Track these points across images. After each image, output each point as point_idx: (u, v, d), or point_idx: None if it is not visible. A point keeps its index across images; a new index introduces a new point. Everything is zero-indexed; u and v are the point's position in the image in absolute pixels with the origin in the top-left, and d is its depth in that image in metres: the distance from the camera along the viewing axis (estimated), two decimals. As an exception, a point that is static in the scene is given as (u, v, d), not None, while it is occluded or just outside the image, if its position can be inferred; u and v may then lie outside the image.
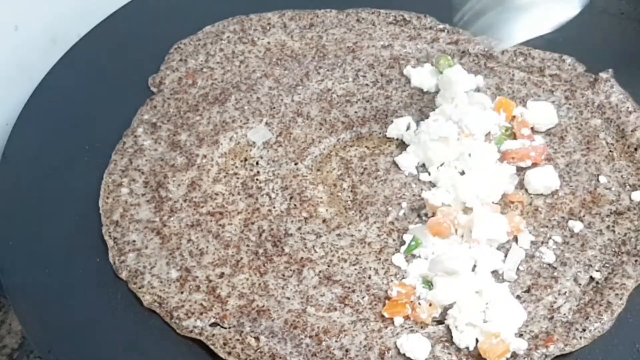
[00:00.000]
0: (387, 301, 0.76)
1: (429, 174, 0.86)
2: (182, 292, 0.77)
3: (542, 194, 0.84)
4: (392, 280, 0.77)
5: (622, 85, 0.92)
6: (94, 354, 0.74)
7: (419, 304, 0.75)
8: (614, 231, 0.81)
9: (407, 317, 0.75)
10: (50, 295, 0.78)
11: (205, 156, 0.88)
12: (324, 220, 0.83)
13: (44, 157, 0.89)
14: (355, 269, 0.79)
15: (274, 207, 0.84)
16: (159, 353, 0.74)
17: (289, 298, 0.76)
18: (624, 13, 1.02)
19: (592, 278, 0.77)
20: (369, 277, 0.78)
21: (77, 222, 0.83)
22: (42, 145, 0.90)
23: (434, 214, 0.81)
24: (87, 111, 0.93)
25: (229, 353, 0.73)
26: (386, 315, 0.75)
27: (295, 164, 0.88)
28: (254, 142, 0.90)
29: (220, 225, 0.82)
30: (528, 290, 0.76)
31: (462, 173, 0.84)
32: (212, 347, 0.73)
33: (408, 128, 0.89)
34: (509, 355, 0.71)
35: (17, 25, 0.98)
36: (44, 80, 0.96)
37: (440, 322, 0.75)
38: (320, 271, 0.78)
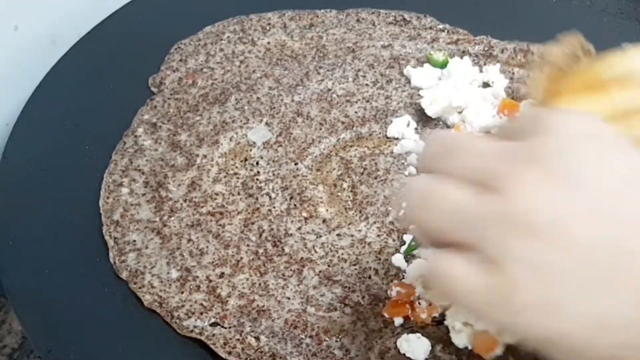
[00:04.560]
0: (387, 301, 0.76)
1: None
2: (182, 292, 0.77)
3: (542, 194, 0.84)
4: (392, 281, 0.77)
5: (622, 85, 0.92)
6: (93, 354, 0.73)
7: (419, 304, 0.75)
8: (613, 231, 0.80)
9: (407, 317, 0.75)
10: (50, 295, 0.77)
11: (205, 156, 0.88)
12: (324, 220, 0.83)
13: (44, 157, 0.89)
14: (355, 269, 0.79)
15: (274, 207, 0.84)
16: (159, 353, 0.74)
17: (289, 298, 0.77)
18: (624, 13, 1.02)
19: (592, 278, 0.77)
20: (369, 277, 0.78)
21: (77, 222, 0.83)
22: (42, 145, 0.90)
23: (434, 214, 0.81)
24: (87, 111, 0.93)
25: (229, 353, 0.73)
26: (386, 315, 0.75)
27: (295, 164, 0.88)
28: (254, 142, 0.90)
29: (220, 225, 0.82)
30: (528, 290, 0.76)
31: (462, 173, 0.84)
32: (212, 346, 0.73)
33: (408, 125, 0.89)
34: (500, 347, 0.71)
35: (17, 25, 0.98)
36: (44, 80, 0.96)
37: (440, 322, 0.75)
38: (320, 271, 0.78)
